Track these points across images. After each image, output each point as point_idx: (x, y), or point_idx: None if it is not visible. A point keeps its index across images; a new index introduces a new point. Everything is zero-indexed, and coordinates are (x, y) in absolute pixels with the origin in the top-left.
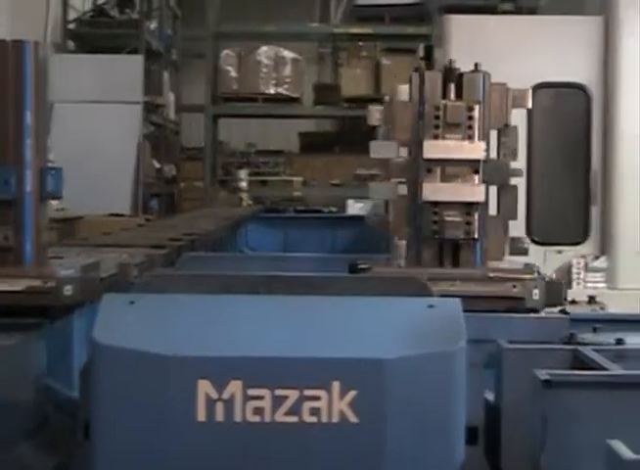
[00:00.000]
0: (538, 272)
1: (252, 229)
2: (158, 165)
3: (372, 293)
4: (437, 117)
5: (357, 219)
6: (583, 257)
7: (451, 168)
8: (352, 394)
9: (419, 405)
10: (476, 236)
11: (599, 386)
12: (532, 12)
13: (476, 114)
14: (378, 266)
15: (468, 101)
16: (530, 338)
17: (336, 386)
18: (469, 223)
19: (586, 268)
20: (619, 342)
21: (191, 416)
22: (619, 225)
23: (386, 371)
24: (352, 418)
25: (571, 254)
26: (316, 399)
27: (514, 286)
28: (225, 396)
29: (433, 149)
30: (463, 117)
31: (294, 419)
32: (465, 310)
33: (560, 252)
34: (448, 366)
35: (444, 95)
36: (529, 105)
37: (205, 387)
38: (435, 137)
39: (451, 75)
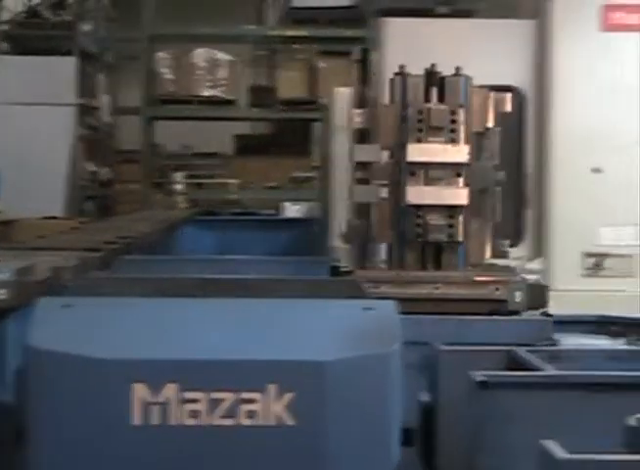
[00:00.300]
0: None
1: (189, 232)
2: (92, 168)
3: (308, 295)
4: (421, 121)
5: (294, 222)
6: (518, 259)
7: (435, 172)
8: (289, 396)
9: (355, 407)
10: (459, 239)
11: (534, 386)
12: (468, 15)
13: (458, 117)
14: (359, 269)
15: (450, 105)
16: (514, 340)
17: (272, 388)
18: (452, 226)
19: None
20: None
21: (126, 420)
22: (555, 227)
23: (321, 373)
24: (289, 421)
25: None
26: (252, 401)
27: (496, 289)
28: (161, 399)
29: (416, 152)
30: (446, 120)
31: (230, 422)
32: (448, 313)
33: None
34: (384, 368)
35: (426, 99)
36: (509, 108)
37: (140, 390)
38: (419, 141)
39: (433, 79)
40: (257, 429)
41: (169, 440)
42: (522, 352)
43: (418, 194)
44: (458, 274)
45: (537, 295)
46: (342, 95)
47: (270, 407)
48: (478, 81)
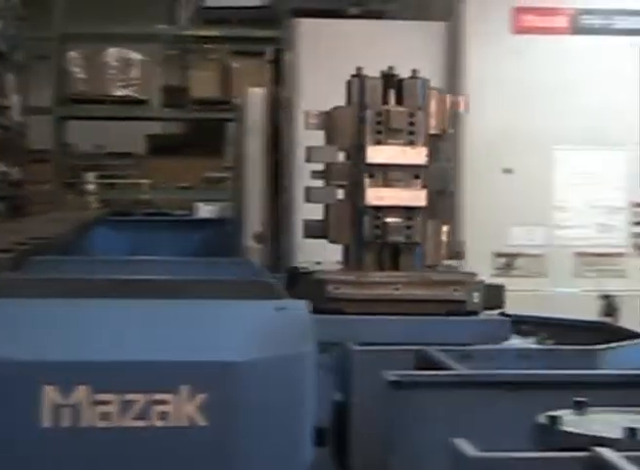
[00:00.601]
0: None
1: (101, 232)
2: (3, 168)
3: (221, 296)
4: (379, 123)
5: (207, 222)
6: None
7: (394, 173)
8: (201, 397)
9: (268, 408)
10: (417, 240)
11: (445, 386)
12: (380, 16)
13: (417, 119)
14: (319, 271)
15: (409, 107)
16: (472, 340)
17: (184, 389)
18: (410, 227)
19: None
20: None
21: (36, 422)
22: (467, 227)
23: (234, 374)
24: (201, 421)
25: None
26: (164, 403)
27: (455, 289)
28: (72, 401)
29: (376, 154)
30: (405, 122)
31: (142, 424)
32: (408, 314)
33: None
34: (297, 368)
35: (384, 101)
36: (463, 109)
37: (50, 392)
38: (378, 143)
39: (391, 81)
40: (170, 430)
41: (81, 442)
42: (433, 351)
43: (377, 195)
44: (419, 275)
45: (494, 295)
46: (256, 95)
47: (182, 408)
48: None
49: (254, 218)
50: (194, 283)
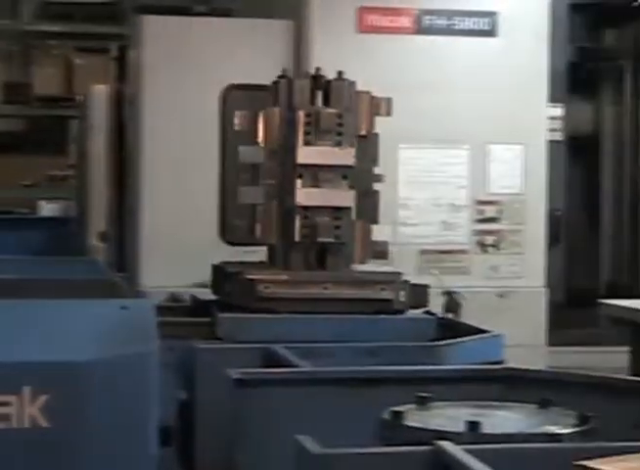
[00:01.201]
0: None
1: None
2: None
3: (64, 295)
4: (309, 124)
5: (50, 221)
6: None
7: (323, 174)
8: (44, 398)
9: (112, 407)
10: (346, 240)
11: (289, 383)
12: (226, 14)
13: (345, 121)
14: (248, 270)
15: (337, 108)
16: (400, 338)
17: (26, 390)
18: (338, 228)
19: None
20: None
21: None
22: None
23: (77, 374)
24: (44, 423)
25: (263, 254)
26: (7, 404)
27: (382, 289)
28: None
29: (306, 155)
30: (334, 123)
31: None
32: (337, 313)
33: (254, 252)
34: (141, 367)
35: (312, 102)
36: (385, 112)
37: None
38: (307, 143)
39: (318, 83)
40: (12, 432)
41: None
42: (278, 348)
43: (307, 196)
44: (348, 275)
45: (419, 294)
46: (100, 92)
47: (25, 410)
48: (236, 80)
49: (99, 217)
50: (37, 282)
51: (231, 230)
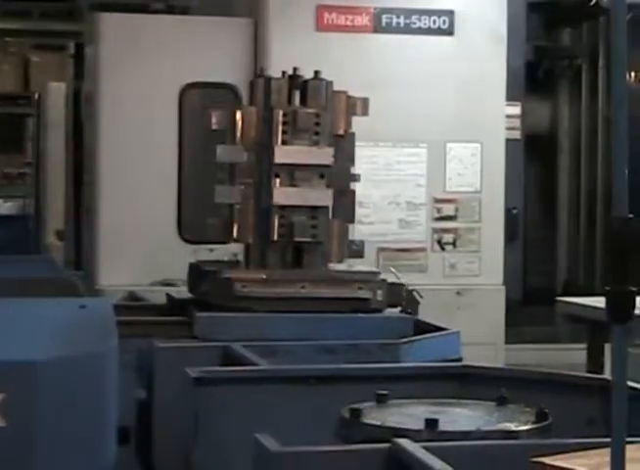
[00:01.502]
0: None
1: None
2: None
3: (21, 293)
4: (286, 123)
5: (7, 219)
6: (234, 254)
7: (300, 173)
8: (0, 397)
9: (69, 406)
10: (322, 239)
11: (248, 381)
12: (184, 12)
13: (322, 120)
14: (224, 269)
15: (314, 108)
16: (377, 337)
17: None
18: (315, 227)
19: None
20: None
21: None
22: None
23: (35, 373)
24: (0, 422)
25: (221, 252)
26: None
27: (359, 288)
28: None
29: (283, 154)
30: (311, 123)
31: None
32: (314, 311)
33: (211, 250)
34: (99, 366)
35: (289, 101)
36: (360, 112)
37: None
38: (284, 143)
39: (296, 83)
40: None
41: None
42: (237, 347)
43: (284, 195)
44: (325, 274)
45: (396, 293)
46: (56, 90)
47: None
48: (194, 78)
49: (56, 215)
50: None
51: (188, 228)
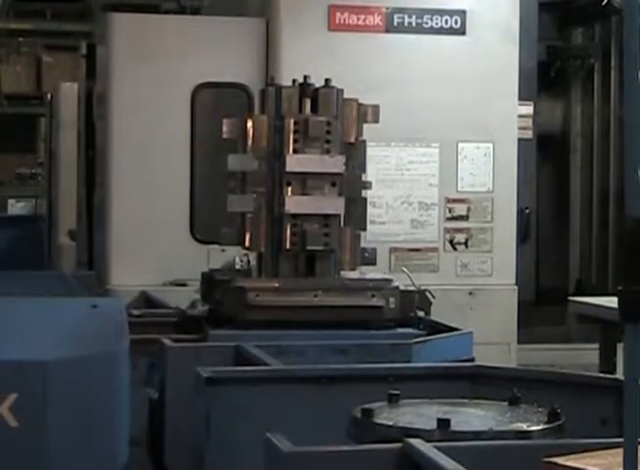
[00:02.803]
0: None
1: None
2: None
3: (33, 293)
4: (297, 132)
5: (19, 219)
6: (246, 254)
7: (312, 181)
8: (13, 397)
9: (82, 406)
10: (335, 247)
11: (260, 381)
12: (196, 12)
13: (333, 128)
14: (238, 278)
15: (325, 116)
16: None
17: None
18: (328, 235)
19: (249, 264)
20: None
21: None
22: None
23: (47, 373)
24: (12, 422)
25: (234, 252)
26: None
27: (372, 295)
28: None
29: (295, 162)
30: (323, 131)
31: None
32: (327, 320)
33: (223, 250)
34: (110, 366)
35: (300, 110)
36: (372, 119)
37: None
38: (295, 151)
39: (306, 91)
40: None
41: None
42: (249, 347)
43: (296, 203)
44: (338, 283)
45: (408, 301)
46: (69, 90)
47: None
48: (206, 78)
49: (68, 215)
50: (2, 280)
51: (200, 228)
